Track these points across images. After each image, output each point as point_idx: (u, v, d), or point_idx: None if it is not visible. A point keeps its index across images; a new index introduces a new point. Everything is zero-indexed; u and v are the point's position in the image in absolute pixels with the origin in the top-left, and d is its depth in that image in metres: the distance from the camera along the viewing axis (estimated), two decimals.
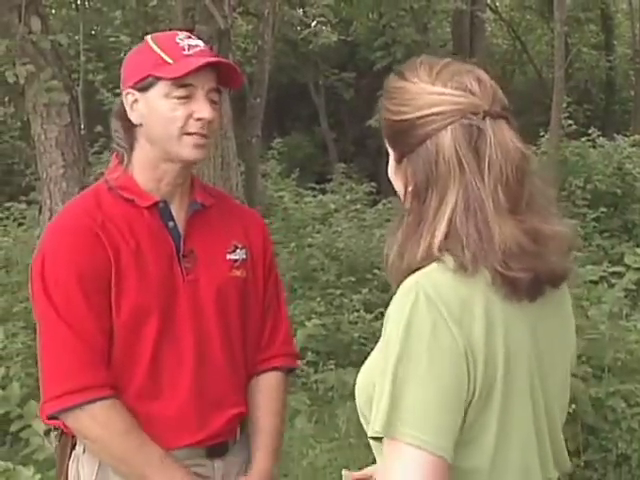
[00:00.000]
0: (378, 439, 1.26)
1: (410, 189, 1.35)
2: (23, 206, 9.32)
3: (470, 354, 1.24)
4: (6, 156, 11.70)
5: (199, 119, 1.78)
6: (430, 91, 1.32)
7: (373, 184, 11.21)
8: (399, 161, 1.37)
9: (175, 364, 1.82)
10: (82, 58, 8.17)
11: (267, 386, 1.97)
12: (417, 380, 1.22)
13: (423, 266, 1.30)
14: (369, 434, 1.27)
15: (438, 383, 1.22)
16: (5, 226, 8.82)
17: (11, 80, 4.47)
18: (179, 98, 1.77)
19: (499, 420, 1.28)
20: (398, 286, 1.30)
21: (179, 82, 1.76)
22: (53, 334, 1.76)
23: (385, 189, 14.50)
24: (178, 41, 1.81)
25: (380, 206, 10.44)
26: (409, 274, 1.30)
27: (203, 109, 1.78)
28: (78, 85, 6.74)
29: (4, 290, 6.75)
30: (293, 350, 2.06)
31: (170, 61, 1.78)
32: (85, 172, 4.86)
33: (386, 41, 12.20)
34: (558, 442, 1.41)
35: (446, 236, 1.29)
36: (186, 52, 1.79)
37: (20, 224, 8.91)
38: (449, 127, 1.30)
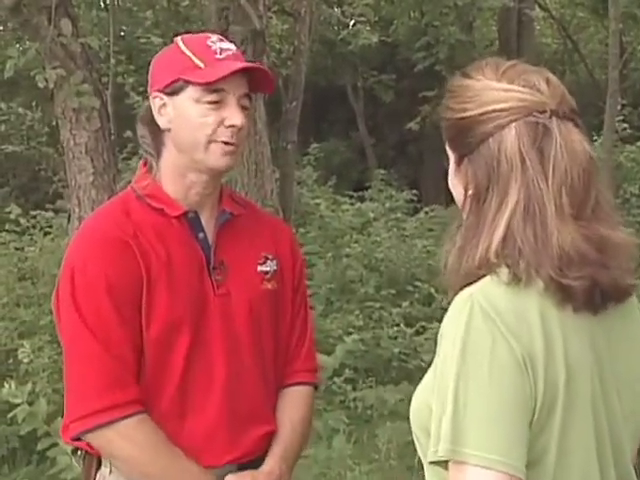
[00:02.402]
0: (439, 463, 1.25)
1: (470, 192, 1.35)
2: (50, 214, 9.41)
3: (530, 368, 1.24)
4: (33, 162, 11.84)
5: (230, 126, 1.78)
6: (495, 87, 1.33)
7: (414, 191, 11.19)
8: (459, 163, 1.37)
9: (206, 380, 1.83)
10: (112, 61, 8.27)
11: (290, 401, 1.97)
12: (479, 398, 1.22)
13: (479, 275, 1.30)
14: (429, 459, 1.26)
15: (501, 399, 1.22)
16: (31, 235, 8.88)
17: (41, 84, 4.52)
18: (210, 103, 1.78)
19: (559, 443, 1.27)
20: (456, 293, 1.30)
21: (210, 87, 1.77)
22: (81, 349, 1.76)
23: (427, 197, 14.45)
24: (210, 44, 1.81)
25: (421, 215, 10.41)
26: (466, 283, 1.30)
27: (235, 116, 1.79)
28: (107, 89, 6.81)
29: (30, 302, 6.83)
30: (315, 365, 2.06)
31: (201, 65, 1.78)
32: (115, 180, 4.90)
33: (428, 41, 12.18)
34: (625, 473, 1.38)
35: (504, 239, 1.29)
36: (218, 56, 1.79)
37: (47, 233, 8.98)
38: (513, 124, 1.30)
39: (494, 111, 1.31)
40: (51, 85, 4.59)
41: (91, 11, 11.72)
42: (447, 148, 1.41)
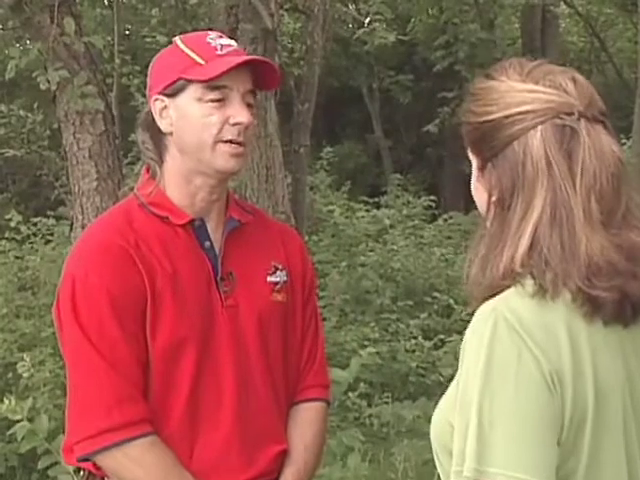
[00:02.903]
0: None
1: (494, 198, 1.34)
2: (51, 222, 9.43)
3: (558, 385, 1.23)
4: (34, 167, 11.87)
5: (236, 124, 1.78)
6: (520, 89, 1.33)
7: (432, 197, 11.18)
8: (482, 168, 1.37)
9: (215, 397, 1.82)
10: (117, 61, 8.29)
11: (301, 419, 1.97)
12: (505, 415, 1.21)
13: (503, 286, 1.29)
14: (452, 479, 1.26)
15: (529, 416, 1.21)
16: (32, 243, 8.91)
17: (43, 86, 4.52)
18: (213, 102, 1.78)
19: (588, 463, 1.26)
20: (479, 305, 1.30)
21: (212, 84, 1.77)
22: (85, 365, 1.76)
23: (445, 203, 14.44)
24: (209, 41, 1.82)
25: (440, 222, 10.41)
26: (489, 294, 1.30)
27: (240, 113, 1.78)
28: (112, 90, 6.83)
29: (31, 313, 6.85)
30: (327, 381, 2.06)
31: (202, 62, 1.78)
32: (120, 185, 4.90)
33: (447, 39, 12.19)
34: None
35: (530, 247, 1.28)
36: (219, 52, 1.80)
37: (48, 241, 9.02)
38: (539, 127, 1.30)
39: (519, 113, 1.31)
40: (54, 87, 4.60)
41: (94, 9, 11.78)
42: (469, 153, 1.41)
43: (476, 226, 1.42)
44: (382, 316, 6.99)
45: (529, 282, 1.28)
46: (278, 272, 1.94)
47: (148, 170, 1.89)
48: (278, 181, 6.59)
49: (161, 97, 1.82)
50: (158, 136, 1.85)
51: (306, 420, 1.97)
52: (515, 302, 1.27)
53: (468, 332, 1.28)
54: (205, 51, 1.80)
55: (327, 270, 8.06)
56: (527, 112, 1.31)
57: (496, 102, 1.34)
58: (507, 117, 1.32)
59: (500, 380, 1.22)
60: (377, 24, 8.99)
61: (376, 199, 11.42)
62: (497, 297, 1.29)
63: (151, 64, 1.89)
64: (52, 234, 9.21)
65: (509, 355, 1.23)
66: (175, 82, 1.80)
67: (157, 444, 1.76)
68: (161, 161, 1.86)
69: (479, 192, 1.40)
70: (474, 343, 1.26)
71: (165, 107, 1.82)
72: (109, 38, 9.67)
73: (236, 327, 1.85)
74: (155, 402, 1.78)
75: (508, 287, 1.29)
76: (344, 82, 15.82)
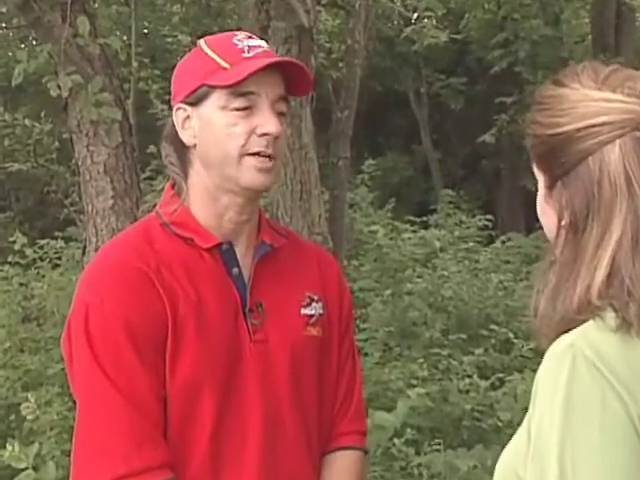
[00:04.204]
0: None
1: (565, 221, 1.34)
2: (60, 244, 9.47)
3: None
4: (40, 183, 11.98)
5: (263, 134, 1.79)
6: (595, 98, 1.33)
7: (488, 216, 11.15)
8: (551, 187, 1.38)
9: (240, 440, 1.83)
10: (134, 64, 8.36)
11: (336, 468, 1.97)
12: (591, 466, 1.21)
13: (578, 321, 1.29)
14: None
15: (617, 464, 1.21)
16: (38, 268, 8.94)
17: (54, 93, 4.54)
18: (239, 110, 1.79)
19: None
20: (550, 342, 1.30)
21: (238, 90, 1.78)
22: (99, 400, 1.76)
23: (503, 223, 14.39)
24: (236, 42, 1.83)
25: (497, 244, 10.37)
26: (563, 330, 1.29)
27: (268, 122, 1.79)
28: (129, 97, 6.88)
29: (36, 347, 6.88)
30: (364, 427, 2.06)
31: (226, 66, 1.80)
32: (138, 204, 4.90)
33: (506, 37, 12.19)
34: None
35: (608, 277, 1.28)
36: (246, 54, 1.81)
37: (56, 266, 9.07)
38: (617, 141, 1.30)
39: (594, 126, 1.31)
40: (65, 94, 4.60)
41: (110, 7, 11.92)
42: (535, 169, 1.41)
43: (539, 249, 1.43)
44: (431, 351, 6.95)
45: (610, 315, 1.28)
46: (313, 304, 1.95)
47: (173, 186, 1.91)
48: (314, 198, 6.60)
49: (184, 106, 1.84)
50: (182, 150, 1.87)
51: (342, 469, 1.98)
52: (595, 337, 1.27)
53: (541, 371, 1.28)
54: (230, 54, 1.81)
55: (369, 299, 8.05)
56: (604, 124, 1.31)
57: (568, 112, 1.34)
58: (580, 130, 1.32)
59: (582, 423, 1.22)
60: (426, 21, 9.00)
61: (424, 218, 11.42)
62: (573, 332, 1.29)
63: (175, 69, 1.91)
64: (60, 258, 9.25)
65: (591, 395, 1.22)
66: (198, 89, 1.81)
67: None
68: (186, 177, 1.88)
69: (547, 214, 1.40)
70: (549, 383, 1.26)
71: (188, 117, 1.84)
72: (125, 37, 9.78)
73: (265, 364, 1.86)
74: (174, 444, 1.79)
75: (583, 321, 1.29)
76: (388, 86, 15.86)
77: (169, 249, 1.84)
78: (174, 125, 1.87)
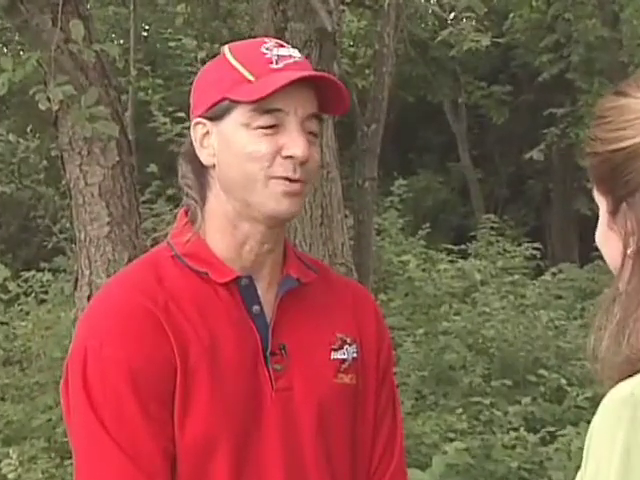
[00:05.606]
0: None
1: (632, 249, 1.35)
2: (47, 276, 9.50)
3: None
4: (25, 206, 12.03)
5: (288, 157, 1.79)
6: None
7: (536, 245, 11.13)
8: (615, 212, 1.38)
9: None
10: (132, 71, 8.37)
11: None
12: None
13: None
14: None
15: None
16: (21, 305, 8.96)
17: (43, 106, 4.55)
18: (263, 128, 1.79)
19: None
20: (611, 387, 1.30)
21: (262, 106, 1.78)
22: (98, 458, 1.77)
23: (554, 252, 14.35)
24: (264, 51, 1.84)
25: (547, 276, 10.33)
26: (628, 372, 1.30)
27: (295, 143, 1.79)
28: (127, 110, 6.89)
29: (20, 395, 6.87)
30: None
31: (251, 78, 1.80)
32: (138, 232, 4.91)
33: (557, 40, 12.20)
34: None
35: None
36: (274, 65, 1.81)
37: (42, 301, 9.10)
38: None
39: None
40: (55, 107, 4.61)
41: (106, 7, 12.00)
42: (595, 193, 1.42)
43: (595, 283, 1.44)
44: (471, 400, 6.95)
45: None
46: (346, 346, 1.94)
47: (187, 213, 1.91)
48: (337, 224, 6.62)
49: (203, 121, 1.85)
50: (201, 170, 1.88)
51: None
52: None
53: (597, 420, 1.28)
54: (257, 64, 1.82)
55: (399, 339, 8.05)
56: None
57: (632, 124, 1.35)
58: None
59: None
60: (465, 22, 9.00)
61: (462, 247, 11.42)
62: (636, 377, 1.29)
63: (195, 79, 1.92)
64: (47, 292, 9.28)
65: None
66: (219, 102, 1.82)
67: None
68: (202, 201, 1.89)
69: (611, 242, 1.41)
70: (605, 437, 1.26)
71: (207, 133, 1.85)
72: (122, 41, 9.83)
73: (289, 416, 1.86)
74: None
75: None
76: (421, 96, 15.90)
77: (180, 285, 1.85)
78: (192, 141, 1.88)
